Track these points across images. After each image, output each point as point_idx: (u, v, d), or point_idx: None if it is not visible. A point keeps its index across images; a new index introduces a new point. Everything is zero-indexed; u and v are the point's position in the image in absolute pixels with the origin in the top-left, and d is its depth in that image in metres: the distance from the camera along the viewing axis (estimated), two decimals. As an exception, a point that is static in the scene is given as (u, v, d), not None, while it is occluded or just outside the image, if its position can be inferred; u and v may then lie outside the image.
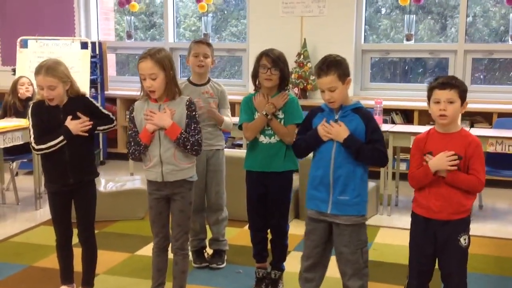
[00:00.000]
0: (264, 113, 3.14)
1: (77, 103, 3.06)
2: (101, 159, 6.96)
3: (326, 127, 2.74)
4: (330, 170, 2.75)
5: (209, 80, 3.71)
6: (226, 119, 3.66)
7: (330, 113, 2.80)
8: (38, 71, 2.97)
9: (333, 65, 2.73)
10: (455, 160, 2.53)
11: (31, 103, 3.14)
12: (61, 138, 2.99)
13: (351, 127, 2.73)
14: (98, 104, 3.21)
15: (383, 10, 7.14)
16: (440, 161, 2.55)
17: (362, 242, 2.81)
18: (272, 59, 3.13)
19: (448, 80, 2.59)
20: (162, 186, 2.92)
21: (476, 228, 4.56)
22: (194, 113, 2.90)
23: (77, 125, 3.02)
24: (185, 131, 2.86)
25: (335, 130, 2.72)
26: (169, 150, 2.87)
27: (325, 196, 2.78)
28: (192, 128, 2.89)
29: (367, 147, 2.72)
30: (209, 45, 3.66)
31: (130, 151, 2.94)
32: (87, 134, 3.05)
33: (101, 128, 3.16)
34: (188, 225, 3.00)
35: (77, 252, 3.24)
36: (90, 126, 3.05)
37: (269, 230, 3.35)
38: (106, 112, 3.19)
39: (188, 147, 2.86)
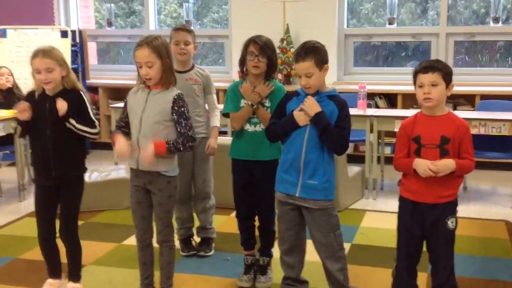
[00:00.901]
0: (250, 103, 3.13)
1: (68, 96, 2.97)
2: (85, 149, 6.89)
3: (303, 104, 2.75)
4: (302, 154, 2.77)
5: (193, 67, 3.68)
6: (216, 123, 3.69)
7: (305, 97, 2.81)
8: (35, 55, 2.93)
9: (311, 51, 2.74)
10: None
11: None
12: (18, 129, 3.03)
13: (326, 113, 2.75)
14: (90, 107, 3.06)
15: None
16: (422, 167, 2.56)
17: (333, 225, 2.84)
18: (260, 46, 3.10)
19: (431, 63, 2.61)
20: (140, 173, 2.89)
21: (460, 209, 4.52)
22: (182, 108, 2.84)
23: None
24: (175, 128, 2.83)
25: (308, 104, 2.73)
26: (147, 138, 2.82)
27: (294, 179, 2.81)
28: (183, 125, 2.83)
29: (334, 130, 2.74)
30: (189, 31, 3.62)
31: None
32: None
33: (75, 123, 2.94)
34: (169, 218, 2.95)
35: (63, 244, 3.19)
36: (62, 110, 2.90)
37: (256, 217, 3.35)
38: (93, 118, 3.05)
39: (182, 149, 2.83)
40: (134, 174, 2.93)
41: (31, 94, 3.06)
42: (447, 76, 2.59)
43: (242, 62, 3.18)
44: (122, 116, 2.97)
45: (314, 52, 2.74)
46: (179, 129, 2.84)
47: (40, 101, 2.99)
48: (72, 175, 3.05)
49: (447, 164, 2.55)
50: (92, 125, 3.02)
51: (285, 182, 2.85)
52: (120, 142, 2.85)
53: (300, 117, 2.76)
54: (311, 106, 2.73)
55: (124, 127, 2.93)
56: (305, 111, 2.74)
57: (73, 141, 3.02)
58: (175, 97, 2.84)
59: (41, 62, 2.91)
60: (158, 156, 2.78)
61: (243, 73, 3.23)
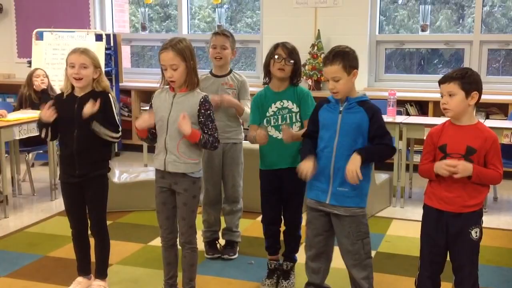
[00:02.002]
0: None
1: (95, 97, 3.04)
2: (116, 150, 7.01)
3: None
4: (332, 161, 2.77)
5: (230, 71, 3.71)
6: (246, 109, 3.57)
7: (335, 104, 2.81)
8: (73, 51, 3.05)
9: (339, 55, 2.73)
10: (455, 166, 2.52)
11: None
12: (43, 131, 3.10)
13: (355, 120, 2.74)
14: (116, 110, 3.12)
15: (400, 0, 7.07)
16: (439, 166, 2.55)
17: (362, 233, 2.82)
18: (289, 50, 3.13)
19: (451, 73, 2.60)
20: (166, 174, 2.94)
21: (490, 220, 4.54)
22: (209, 111, 2.90)
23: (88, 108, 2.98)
24: (200, 129, 2.88)
25: (352, 168, 2.66)
26: (174, 140, 2.88)
27: (325, 186, 2.81)
28: (210, 127, 2.90)
29: (376, 149, 2.74)
30: (227, 36, 3.65)
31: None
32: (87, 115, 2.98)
33: (99, 126, 2.99)
34: (193, 219, 2.99)
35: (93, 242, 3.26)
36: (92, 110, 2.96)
37: (282, 222, 3.35)
38: (117, 122, 3.11)
39: (208, 146, 2.91)
40: (160, 176, 2.98)
41: (59, 96, 3.16)
42: (467, 85, 2.55)
43: (267, 66, 3.20)
44: None
45: (342, 56, 2.73)
46: (206, 131, 2.90)
47: (68, 102, 3.07)
48: (95, 174, 3.11)
49: (466, 166, 2.51)
50: (116, 130, 3.09)
51: (316, 189, 2.85)
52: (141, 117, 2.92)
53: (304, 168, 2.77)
54: (355, 165, 2.66)
55: (153, 128, 2.99)
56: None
57: (99, 142, 3.08)
58: (202, 100, 2.89)
59: (77, 58, 3.01)
60: (185, 141, 2.86)
61: (265, 79, 3.23)
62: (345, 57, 2.73)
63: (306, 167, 2.76)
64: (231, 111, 3.64)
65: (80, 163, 3.06)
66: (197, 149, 2.92)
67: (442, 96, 2.60)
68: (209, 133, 2.90)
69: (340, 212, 2.79)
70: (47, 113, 3.02)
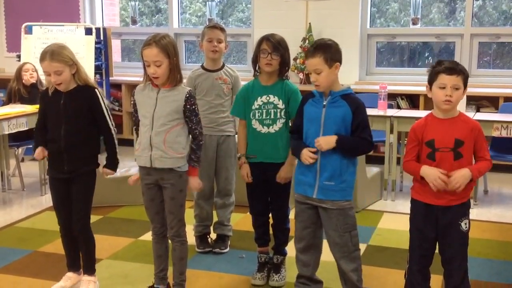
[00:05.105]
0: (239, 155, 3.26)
1: (82, 93, 3.01)
2: (107, 145, 6.96)
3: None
4: (318, 156, 2.77)
5: (223, 66, 3.70)
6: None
7: (319, 99, 2.82)
8: (42, 58, 2.96)
9: (321, 48, 2.74)
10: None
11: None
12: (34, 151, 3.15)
13: (338, 113, 2.75)
14: (105, 107, 3.07)
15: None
16: (431, 176, 2.54)
17: (350, 225, 2.82)
18: (273, 44, 3.10)
19: (454, 65, 2.56)
20: (152, 170, 2.92)
21: (480, 213, 4.57)
22: (194, 106, 2.90)
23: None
24: (185, 122, 2.90)
25: (322, 145, 2.72)
26: (160, 136, 2.86)
27: (311, 181, 2.81)
28: (194, 121, 2.90)
29: (355, 140, 2.75)
30: (222, 30, 3.65)
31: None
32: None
33: (111, 162, 3.19)
34: (181, 212, 2.98)
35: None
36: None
37: (270, 215, 3.35)
38: (109, 121, 3.08)
39: (200, 153, 2.96)
40: (145, 173, 2.96)
41: (45, 92, 3.12)
42: (467, 80, 2.56)
43: (255, 60, 3.18)
44: (137, 115, 2.99)
45: (323, 49, 2.74)
46: (190, 125, 2.90)
47: (54, 98, 3.04)
48: (84, 169, 3.09)
49: (465, 175, 2.51)
50: (110, 135, 3.11)
51: (303, 183, 2.86)
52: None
53: (306, 158, 2.78)
54: (326, 143, 2.71)
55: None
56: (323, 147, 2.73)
57: (87, 137, 3.07)
58: (187, 95, 2.88)
59: (49, 66, 2.94)
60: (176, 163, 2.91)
61: (256, 72, 3.23)
62: (326, 50, 2.73)
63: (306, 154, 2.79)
64: (225, 104, 3.64)
65: (68, 159, 3.03)
66: (183, 142, 2.91)
67: (441, 88, 2.54)
68: (193, 127, 2.90)
69: (327, 206, 2.80)
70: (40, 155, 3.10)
